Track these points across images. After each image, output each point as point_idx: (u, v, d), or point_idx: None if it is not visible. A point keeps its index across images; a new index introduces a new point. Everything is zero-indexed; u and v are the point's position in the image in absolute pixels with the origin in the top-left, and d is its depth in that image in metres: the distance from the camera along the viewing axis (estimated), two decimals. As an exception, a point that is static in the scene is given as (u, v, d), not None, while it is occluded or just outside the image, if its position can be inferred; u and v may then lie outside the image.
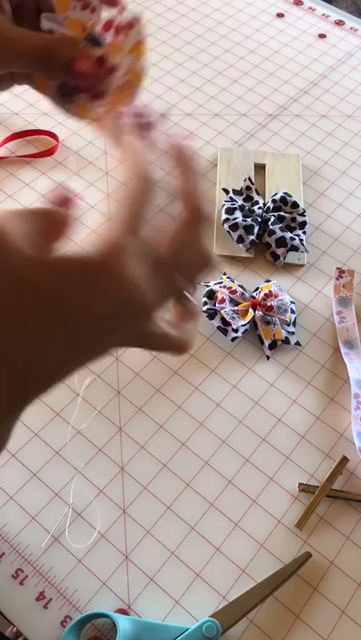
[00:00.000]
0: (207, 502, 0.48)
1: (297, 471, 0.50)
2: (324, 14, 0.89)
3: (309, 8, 0.90)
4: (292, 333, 0.56)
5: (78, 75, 0.33)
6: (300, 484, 0.49)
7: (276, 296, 0.56)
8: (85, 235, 0.62)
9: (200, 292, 0.58)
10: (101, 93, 0.34)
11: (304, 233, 0.62)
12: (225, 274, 0.60)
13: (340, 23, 0.88)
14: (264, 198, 0.65)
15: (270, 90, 0.78)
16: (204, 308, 0.56)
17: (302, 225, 0.62)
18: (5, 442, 0.27)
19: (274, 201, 0.63)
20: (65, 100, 0.34)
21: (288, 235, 0.60)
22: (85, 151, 0.69)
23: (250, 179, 0.65)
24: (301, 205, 0.63)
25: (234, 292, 0.56)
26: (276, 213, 0.62)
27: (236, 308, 0.56)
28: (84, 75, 0.33)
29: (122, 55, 0.32)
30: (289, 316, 0.56)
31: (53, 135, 0.70)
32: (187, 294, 0.32)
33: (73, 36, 0.34)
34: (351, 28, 0.87)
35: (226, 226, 0.62)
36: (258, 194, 0.65)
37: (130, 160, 0.31)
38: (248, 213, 0.62)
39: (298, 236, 0.61)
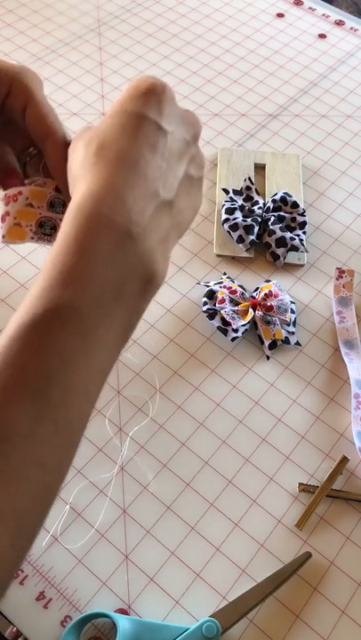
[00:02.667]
0: (207, 502, 0.48)
1: (297, 471, 0.50)
2: (324, 14, 0.89)
3: (309, 8, 0.90)
4: (292, 333, 0.56)
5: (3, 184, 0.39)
6: (300, 483, 0.49)
7: (276, 296, 0.56)
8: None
9: (200, 291, 0.58)
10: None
11: (304, 233, 0.62)
12: (225, 274, 0.60)
13: (340, 23, 0.88)
14: (264, 198, 0.65)
15: (270, 90, 0.78)
16: (204, 308, 0.56)
17: (302, 225, 0.62)
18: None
19: (274, 201, 0.63)
20: (45, 239, 0.39)
21: (288, 235, 0.60)
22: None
23: (250, 179, 0.65)
24: (301, 205, 0.63)
25: (234, 292, 0.56)
26: (276, 213, 0.62)
27: (236, 307, 0.56)
28: (3, 182, 0.39)
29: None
30: (289, 316, 0.56)
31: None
32: None
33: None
34: (351, 28, 0.87)
35: (226, 226, 0.62)
36: (258, 194, 0.65)
37: None
38: (248, 213, 0.62)
39: (298, 236, 0.61)
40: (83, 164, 0.32)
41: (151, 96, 0.33)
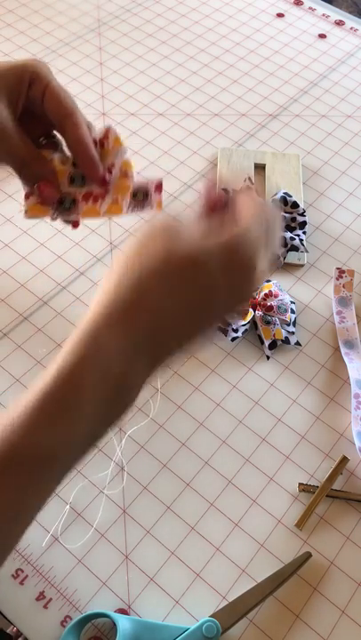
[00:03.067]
0: (207, 502, 0.48)
1: (297, 471, 0.50)
2: (324, 14, 0.89)
3: (309, 8, 0.90)
4: (292, 333, 0.56)
5: (39, 191, 0.40)
6: (300, 483, 0.49)
7: (276, 296, 0.56)
8: (85, 235, 0.62)
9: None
10: (102, 193, 0.40)
11: (304, 233, 0.62)
12: (225, 274, 0.60)
13: (340, 23, 0.88)
14: (264, 198, 0.65)
15: (270, 90, 0.78)
16: (204, 308, 0.56)
17: (302, 225, 0.62)
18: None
19: (274, 201, 0.63)
20: (65, 214, 0.41)
21: (288, 235, 0.60)
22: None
23: (250, 179, 0.65)
24: (301, 205, 0.63)
25: (234, 291, 0.56)
26: (276, 213, 0.62)
27: (236, 307, 0.56)
28: (43, 193, 0.40)
29: (111, 157, 0.40)
30: (289, 316, 0.56)
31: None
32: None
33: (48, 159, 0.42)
34: (351, 28, 0.87)
35: (226, 226, 0.62)
36: (258, 194, 0.65)
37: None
38: (248, 213, 0.62)
39: (298, 236, 0.61)
40: (115, 296, 0.31)
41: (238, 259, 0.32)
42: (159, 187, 0.40)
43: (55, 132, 0.44)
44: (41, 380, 0.30)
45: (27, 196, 0.41)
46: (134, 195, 0.40)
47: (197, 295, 0.31)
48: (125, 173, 0.41)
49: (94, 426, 0.31)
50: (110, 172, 0.40)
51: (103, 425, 0.31)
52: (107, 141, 0.41)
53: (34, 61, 0.40)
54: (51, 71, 0.41)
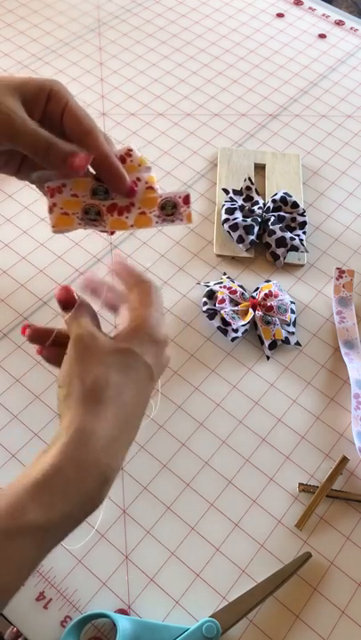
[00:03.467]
0: (207, 502, 0.48)
1: (297, 471, 0.50)
2: (324, 14, 0.89)
3: (309, 8, 0.90)
4: (292, 333, 0.56)
5: (71, 165, 0.40)
6: (300, 484, 0.49)
7: (276, 296, 0.56)
8: (85, 235, 0.62)
9: (200, 291, 0.58)
10: (127, 206, 0.41)
11: (304, 233, 0.62)
12: (225, 274, 0.60)
13: (340, 23, 0.88)
14: (264, 198, 0.65)
15: (270, 90, 0.78)
16: (204, 309, 0.56)
17: (302, 225, 0.62)
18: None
19: (274, 201, 0.63)
20: (91, 224, 0.42)
21: (288, 235, 0.60)
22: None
23: (250, 179, 0.65)
24: (301, 205, 0.63)
25: (234, 292, 0.56)
26: (276, 213, 0.62)
27: (236, 308, 0.56)
28: (73, 164, 0.40)
29: (135, 173, 0.41)
30: (289, 316, 0.56)
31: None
32: None
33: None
34: (351, 28, 0.87)
35: (226, 226, 0.62)
36: (258, 194, 0.65)
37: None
38: (248, 213, 0.62)
39: (298, 235, 0.61)
40: (79, 396, 0.35)
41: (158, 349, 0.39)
42: (187, 199, 0.41)
43: None
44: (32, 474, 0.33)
45: (50, 209, 0.42)
46: (163, 207, 0.41)
47: (138, 374, 0.37)
48: (151, 187, 0.41)
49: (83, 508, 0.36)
50: (136, 185, 0.41)
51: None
52: (128, 158, 0.41)
53: (53, 80, 0.42)
54: (69, 92, 0.42)
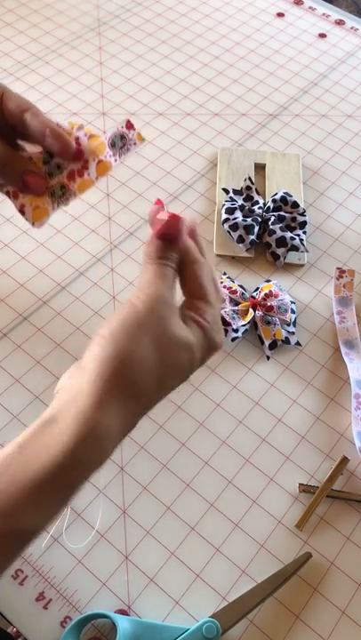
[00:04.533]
0: (207, 502, 0.48)
1: (297, 471, 0.50)
2: (324, 14, 0.89)
3: (310, 8, 0.90)
4: (293, 333, 0.56)
5: (26, 184, 0.42)
6: (300, 484, 0.49)
7: (276, 296, 0.56)
8: (85, 235, 0.62)
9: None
10: (83, 165, 0.42)
11: (304, 233, 0.62)
12: (225, 274, 0.60)
13: (340, 23, 0.88)
14: (264, 198, 0.65)
15: (270, 89, 0.78)
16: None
17: (302, 225, 0.62)
18: None
19: (274, 201, 0.63)
20: (63, 200, 0.43)
21: (288, 234, 0.60)
22: (85, 151, 0.69)
23: (250, 178, 0.65)
24: (301, 205, 0.63)
25: (234, 292, 0.56)
26: (276, 213, 0.62)
27: (236, 307, 0.56)
28: (31, 185, 0.42)
29: (72, 136, 0.43)
30: (289, 316, 0.56)
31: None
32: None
33: (31, 155, 0.44)
34: (351, 28, 0.87)
35: (226, 226, 0.62)
36: (258, 194, 0.65)
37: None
38: (248, 213, 0.62)
39: (298, 235, 0.61)
40: (98, 374, 0.32)
41: (214, 352, 0.37)
42: (129, 124, 0.41)
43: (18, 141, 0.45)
44: (37, 461, 0.30)
45: (21, 211, 0.44)
46: (112, 145, 0.42)
47: (181, 372, 0.35)
48: (92, 135, 0.43)
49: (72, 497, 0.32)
50: (79, 144, 0.42)
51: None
52: (60, 129, 0.43)
53: None
54: (1, 83, 0.43)
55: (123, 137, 0.41)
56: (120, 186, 0.67)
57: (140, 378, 0.33)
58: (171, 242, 0.35)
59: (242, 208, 0.63)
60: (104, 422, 0.31)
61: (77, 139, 0.42)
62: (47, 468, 0.30)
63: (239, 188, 0.65)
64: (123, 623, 0.40)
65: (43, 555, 0.45)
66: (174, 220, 0.35)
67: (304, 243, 0.61)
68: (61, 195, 0.43)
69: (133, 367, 0.32)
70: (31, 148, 0.44)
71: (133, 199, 0.66)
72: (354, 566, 0.46)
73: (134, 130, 0.41)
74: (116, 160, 0.41)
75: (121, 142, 0.41)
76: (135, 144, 0.41)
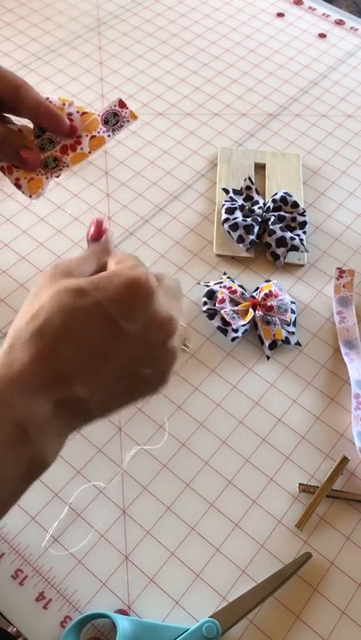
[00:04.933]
0: (207, 502, 0.48)
1: (297, 471, 0.50)
2: (324, 14, 0.89)
3: (309, 8, 0.90)
4: (293, 333, 0.56)
5: (22, 160, 0.43)
6: (300, 484, 0.49)
7: (276, 296, 0.56)
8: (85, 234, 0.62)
9: (200, 291, 0.58)
10: (77, 139, 0.44)
11: (304, 233, 0.62)
12: (225, 274, 0.60)
13: (340, 23, 0.88)
14: (264, 198, 0.65)
15: (270, 89, 0.78)
16: (204, 308, 0.56)
17: (302, 225, 0.62)
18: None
19: (274, 201, 0.63)
20: (57, 171, 0.45)
21: (288, 234, 0.60)
22: (85, 151, 0.69)
23: (250, 178, 0.65)
24: (301, 205, 0.63)
25: (234, 292, 0.56)
26: (276, 213, 0.62)
27: (236, 308, 0.56)
28: (27, 160, 0.43)
29: (64, 112, 0.44)
30: (289, 316, 0.56)
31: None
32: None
33: (24, 130, 0.45)
34: (351, 28, 0.87)
35: (226, 226, 0.62)
36: (258, 193, 0.65)
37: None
38: (248, 213, 0.62)
39: (298, 235, 0.61)
40: (17, 333, 0.31)
41: (133, 296, 0.31)
42: (122, 103, 0.43)
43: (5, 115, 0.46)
44: None
45: (17, 185, 0.45)
46: (106, 122, 0.43)
47: (98, 337, 0.31)
48: (85, 113, 0.44)
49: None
50: (72, 121, 0.44)
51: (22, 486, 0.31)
52: (51, 105, 0.44)
53: None
54: None
55: (116, 114, 0.42)
56: (120, 186, 0.67)
57: (39, 329, 0.30)
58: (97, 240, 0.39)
59: (242, 208, 0.63)
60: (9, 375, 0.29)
61: (70, 115, 0.43)
62: None
63: (239, 188, 0.65)
64: (123, 623, 0.40)
65: (43, 555, 0.45)
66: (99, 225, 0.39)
67: (304, 243, 0.61)
68: (55, 166, 0.44)
69: (22, 322, 0.31)
70: (19, 120, 0.45)
71: (133, 199, 0.66)
72: (354, 566, 0.46)
73: (127, 108, 0.42)
74: (109, 135, 0.43)
75: (114, 119, 0.42)
76: (128, 121, 0.42)
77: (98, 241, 0.39)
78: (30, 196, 0.45)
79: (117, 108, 0.42)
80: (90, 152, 0.43)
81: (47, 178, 0.44)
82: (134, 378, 0.33)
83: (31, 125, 0.45)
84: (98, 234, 0.39)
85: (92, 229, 0.39)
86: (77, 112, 0.43)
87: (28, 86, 0.43)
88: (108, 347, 0.31)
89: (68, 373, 0.30)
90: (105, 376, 0.32)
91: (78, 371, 0.31)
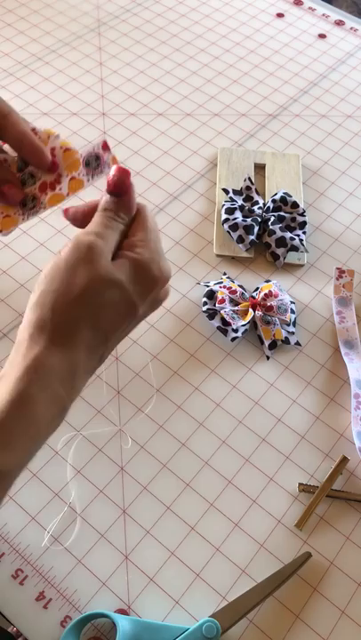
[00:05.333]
0: (207, 502, 0.48)
1: (297, 471, 0.50)
2: (324, 14, 0.89)
3: (309, 8, 0.90)
4: (292, 333, 0.56)
5: (4, 195, 0.42)
6: (300, 484, 0.49)
7: (276, 296, 0.56)
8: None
9: (200, 291, 0.58)
10: (56, 178, 0.42)
11: (304, 233, 0.62)
12: (225, 274, 0.60)
13: (339, 23, 0.88)
14: (264, 198, 0.65)
15: (270, 90, 0.78)
16: (204, 308, 0.56)
17: (302, 225, 0.62)
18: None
19: (274, 201, 0.63)
20: (33, 212, 0.43)
21: (288, 235, 0.60)
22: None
23: (250, 179, 0.65)
24: (301, 205, 0.63)
25: (234, 292, 0.56)
26: (276, 213, 0.62)
27: (236, 307, 0.56)
28: (9, 197, 0.42)
29: (48, 145, 0.43)
30: (289, 316, 0.56)
31: (53, 135, 0.70)
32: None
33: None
34: (351, 28, 0.87)
35: (226, 226, 0.62)
36: (258, 194, 0.65)
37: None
38: (248, 213, 0.62)
39: (298, 236, 0.61)
40: (27, 321, 0.35)
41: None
42: (105, 145, 0.41)
43: None
44: None
45: None
46: (87, 164, 0.41)
47: (122, 311, 0.36)
48: (68, 149, 0.42)
49: (45, 438, 0.34)
50: (55, 156, 0.42)
51: (52, 431, 0.35)
52: (36, 136, 0.43)
53: None
54: None
55: (98, 158, 0.41)
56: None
57: (64, 318, 0.34)
58: (119, 195, 0.37)
59: (242, 208, 0.63)
60: (42, 360, 0.33)
61: (53, 149, 0.42)
62: (0, 409, 0.32)
63: (239, 189, 0.66)
64: (123, 623, 0.40)
65: (43, 554, 0.45)
66: (124, 174, 0.37)
67: (304, 243, 0.61)
68: (32, 206, 0.43)
69: (53, 310, 0.34)
70: (6, 148, 0.44)
71: (133, 199, 0.66)
72: (354, 566, 0.46)
73: (110, 152, 0.40)
74: (88, 180, 0.41)
75: (95, 163, 0.41)
76: (109, 166, 0.40)
77: (119, 194, 0.37)
78: (0, 231, 0.44)
79: (100, 150, 0.41)
80: (67, 194, 0.42)
81: (23, 219, 0.43)
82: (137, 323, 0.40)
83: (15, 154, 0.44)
84: (121, 187, 0.37)
85: (114, 177, 0.37)
86: (61, 147, 0.42)
87: (15, 116, 0.42)
88: (125, 324, 0.37)
89: (96, 337, 0.36)
90: (120, 336, 0.38)
91: (103, 336, 0.36)
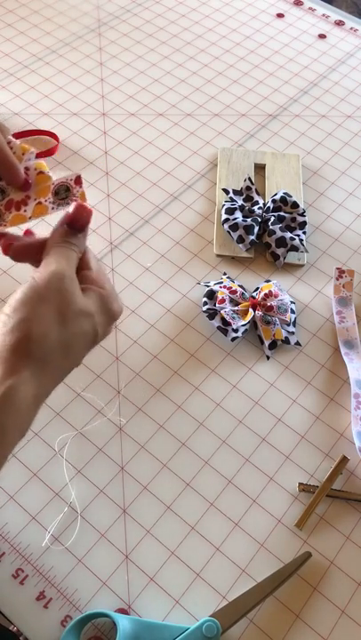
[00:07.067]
0: (207, 502, 0.48)
1: (297, 471, 0.50)
2: (324, 14, 0.89)
3: (309, 8, 0.90)
4: (292, 333, 0.56)
5: None
6: (300, 483, 0.49)
7: (276, 296, 0.56)
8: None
9: (200, 291, 0.59)
10: (23, 199, 0.42)
11: (304, 233, 0.62)
12: (225, 274, 0.60)
13: (340, 23, 0.88)
14: (264, 198, 0.65)
15: (270, 90, 0.78)
16: (204, 308, 0.56)
17: (302, 225, 0.62)
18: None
19: (274, 201, 0.63)
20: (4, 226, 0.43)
21: (288, 235, 0.60)
22: (85, 151, 0.69)
23: (250, 179, 0.65)
24: (301, 205, 0.63)
25: (234, 292, 0.56)
26: (276, 213, 0.62)
27: (236, 307, 0.56)
28: None
29: (23, 163, 0.42)
30: (289, 316, 0.56)
31: (54, 135, 0.70)
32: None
33: None
34: (351, 29, 0.87)
35: (226, 226, 0.62)
36: (258, 194, 0.65)
37: None
38: (248, 213, 0.62)
39: (298, 236, 0.61)
40: (3, 346, 0.35)
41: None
42: (78, 180, 0.41)
43: None
44: None
45: None
46: (56, 193, 0.41)
47: (89, 340, 0.38)
48: (42, 172, 0.42)
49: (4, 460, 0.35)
50: (28, 175, 0.42)
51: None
52: (12, 148, 0.42)
53: None
54: None
55: (68, 189, 0.41)
56: (120, 186, 0.67)
57: (44, 345, 0.35)
58: (78, 230, 0.39)
59: (242, 208, 0.63)
60: (17, 387, 0.33)
61: (27, 169, 0.41)
62: None
63: (239, 189, 0.66)
64: (123, 622, 0.40)
65: (43, 554, 0.45)
66: (85, 212, 0.39)
67: (304, 243, 0.61)
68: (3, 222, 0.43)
69: (33, 336, 0.34)
70: None
71: (134, 199, 0.66)
72: (354, 566, 0.46)
73: (81, 187, 0.40)
74: (53, 208, 0.41)
75: (65, 194, 0.41)
76: (76, 201, 0.40)
77: (80, 230, 0.39)
78: None
79: (72, 183, 0.41)
80: (30, 218, 0.42)
81: None
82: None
83: None
84: (82, 222, 0.39)
85: (81, 213, 0.39)
86: (35, 169, 0.41)
87: None
88: (87, 353, 0.38)
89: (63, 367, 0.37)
90: (78, 363, 0.39)
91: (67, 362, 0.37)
